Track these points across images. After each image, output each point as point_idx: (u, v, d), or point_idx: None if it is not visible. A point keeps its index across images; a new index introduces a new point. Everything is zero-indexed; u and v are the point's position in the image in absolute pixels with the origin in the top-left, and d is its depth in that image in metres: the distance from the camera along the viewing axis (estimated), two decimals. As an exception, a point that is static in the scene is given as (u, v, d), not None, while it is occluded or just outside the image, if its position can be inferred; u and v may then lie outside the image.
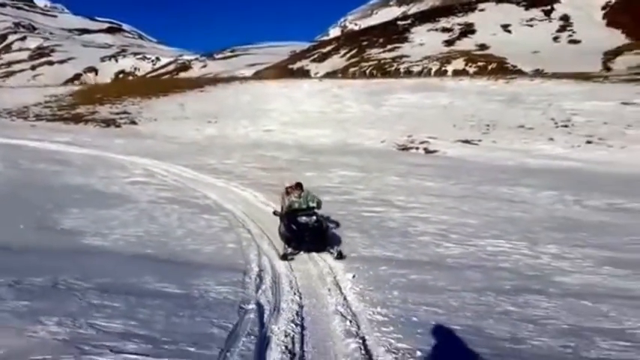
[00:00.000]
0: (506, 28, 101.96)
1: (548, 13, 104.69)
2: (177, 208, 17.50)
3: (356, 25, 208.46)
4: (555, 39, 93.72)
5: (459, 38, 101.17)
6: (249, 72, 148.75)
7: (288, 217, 12.73)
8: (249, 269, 10.88)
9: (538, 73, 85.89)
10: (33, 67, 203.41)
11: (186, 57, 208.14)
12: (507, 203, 19.70)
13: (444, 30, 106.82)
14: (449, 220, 16.81)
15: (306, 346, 6.95)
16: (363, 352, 6.67)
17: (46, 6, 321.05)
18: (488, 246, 13.83)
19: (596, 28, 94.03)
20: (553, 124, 37.92)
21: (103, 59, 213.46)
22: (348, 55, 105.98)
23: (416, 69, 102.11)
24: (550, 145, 34.04)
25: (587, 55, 78.56)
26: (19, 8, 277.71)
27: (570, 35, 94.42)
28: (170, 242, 13.23)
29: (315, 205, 13.18)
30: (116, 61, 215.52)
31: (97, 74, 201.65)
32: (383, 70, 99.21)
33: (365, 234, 14.46)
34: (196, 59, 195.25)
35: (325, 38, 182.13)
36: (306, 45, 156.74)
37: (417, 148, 34.85)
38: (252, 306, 8.27)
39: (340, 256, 11.73)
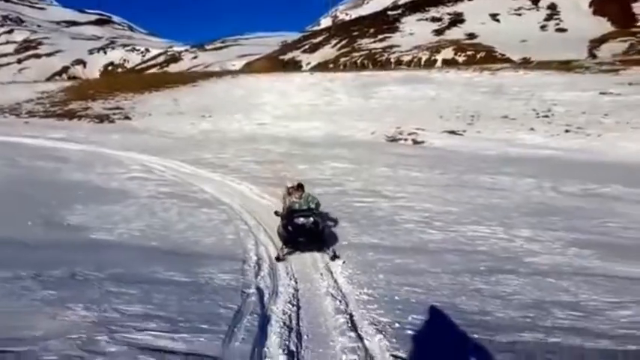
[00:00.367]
0: (494, 17, 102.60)
1: (535, 2, 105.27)
2: (176, 202, 18.15)
3: (347, 15, 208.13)
4: (542, 27, 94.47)
5: (448, 28, 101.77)
6: (240, 63, 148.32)
7: (287, 217, 12.86)
8: (248, 258, 11.80)
9: (525, 62, 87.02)
10: (19, 61, 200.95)
11: (177, 48, 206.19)
12: (488, 191, 20.71)
13: (434, 19, 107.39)
14: (433, 208, 17.81)
15: (301, 322, 7.95)
16: (350, 325, 7.70)
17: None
18: (468, 231, 14.85)
19: (583, 17, 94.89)
20: (534, 114, 38.81)
21: (91, 51, 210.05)
22: (339, 46, 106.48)
23: (406, 58, 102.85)
24: (531, 134, 34.90)
25: (574, 42, 79.59)
26: (7, 1, 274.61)
27: (557, 24, 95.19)
28: (172, 235, 14.01)
29: (314, 206, 13.29)
30: (105, 53, 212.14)
31: (85, 67, 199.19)
32: (374, 60, 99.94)
33: (355, 223, 15.33)
34: (186, 50, 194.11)
35: (316, 28, 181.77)
36: (296, 35, 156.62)
37: (406, 140, 35.57)
38: (252, 290, 9.25)
39: (335, 257, 11.88)
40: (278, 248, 12.52)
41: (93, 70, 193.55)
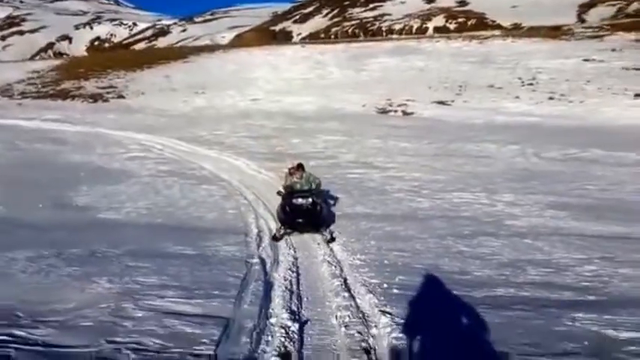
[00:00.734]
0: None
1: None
2: (177, 180, 18.94)
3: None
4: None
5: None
6: (229, 35, 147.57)
7: (286, 198, 12.89)
8: (249, 231, 12.67)
9: (516, 27, 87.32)
10: (3, 38, 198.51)
11: (165, 22, 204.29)
12: (474, 159, 21.71)
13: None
14: (421, 177, 18.81)
15: (301, 286, 8.90)
16: (344, 287, 8.66)
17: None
18: (453, 198, 15.87)
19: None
20: (520, 82, 39.85)
21: (77, 27, 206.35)
22: (330, 15, 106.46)
23: (397, 27, 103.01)
24: (516, 102, 35.89)
25: (563, 7, 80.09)
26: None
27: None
28: (176, 212, 14.85)
29: (315, 186, 13.33)
30: (91, 28, 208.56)
31: (70, 42, 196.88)
32: (365, 30, 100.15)
33: (348, 194, 16.22)
34: (175, 24, 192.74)
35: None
36: (287, 6, 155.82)
37: (396, 111, 36.35)
38: (256, 260, 10.18)
39: (332, 239, 11.86)
40: (276, 228, 12.63)
41: (79, 45, 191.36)
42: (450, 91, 39.66)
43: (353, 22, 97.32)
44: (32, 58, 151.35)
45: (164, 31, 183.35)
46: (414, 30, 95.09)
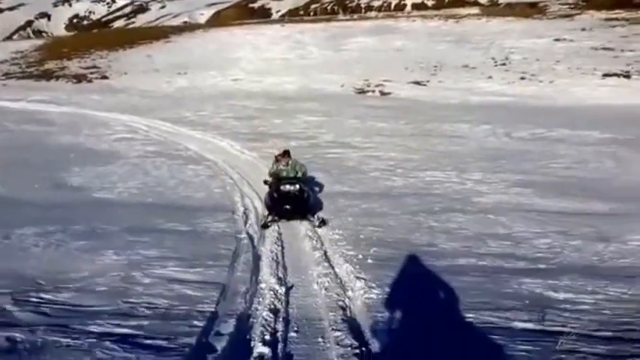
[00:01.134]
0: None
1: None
2: (164, 160, 19.75)
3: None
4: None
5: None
6: (208, 12, 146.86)
7: (273, 185, 13.08)
8: (236, 209, 13.63)
9: (493, 4, 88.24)
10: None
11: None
12: (447, 139, 22.79)
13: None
14: (397, 156, 19.88)
15: (286, 257, 9.94)
16: (324, 258, 9.73)
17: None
18: (426, 177, 16.98)
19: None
20: (493, 62, 40.93)
21: (55, 4, 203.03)
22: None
23: (376, 4, 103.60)
24: (489, 82, 36.96)
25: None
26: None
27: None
28: (166, 191, 15.75)
29: (301, 174, 13.55)
30: (70, 5, 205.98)
31: (49, 20, 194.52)
32: (344, 6, 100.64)
33: (327, 173, 17.17)
34: (154, 0, 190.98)
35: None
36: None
37: (373, 91, 37.19)
38: (244, 235, 11.20)
39: (323, 223, 12.07)
40: (264, 215, 12.78)
41: (58, 23, 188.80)
42: (426, 72, 40.57)
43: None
44: (11, 36, 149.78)
45: (143, 8, 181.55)
46: (392, 6, 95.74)
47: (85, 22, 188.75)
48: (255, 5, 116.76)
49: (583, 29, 44.96)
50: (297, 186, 12.81)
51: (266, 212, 12.77)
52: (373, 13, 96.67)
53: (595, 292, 7.63)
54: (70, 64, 50.61)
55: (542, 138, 22.73)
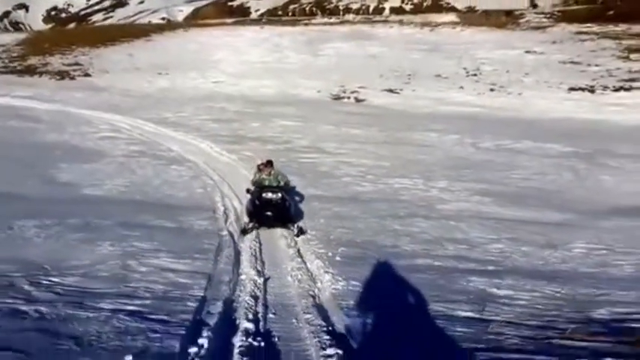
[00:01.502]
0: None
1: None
2: (149, 160, 20.72)
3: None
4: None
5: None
6: (187, 9, 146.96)
7: (255, 192, 13.41)
8: (217, 208, 14.78)
9: (470, 10, 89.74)
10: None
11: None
12: (417, 147, 24.03)
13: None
14: (368, 163, 21.11)
15: (263, 253, 11.09)
16: (297, 254, 10.92)
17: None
18: (394, 183, 18.24)
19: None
20: (465, 73, 42.04)
21: None
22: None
23: (355, 7, 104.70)
24: (460, 93, 38.01)
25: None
26: None
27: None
28: (151, 190, 16.79)
29: (283, 184, 13.97)
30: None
31: (27, 11, 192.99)
32: (322, 8, 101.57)
33: (302, 177, 18.19)
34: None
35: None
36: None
37: (349, 98, 38.12)
38: (225, 233, 12.32)
39: (301, 232, 12.48)
40: (245, 222, 13.24)
41: (36, 15, 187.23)
42: (400, 80, 41.56)
43: (311, 0, 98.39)
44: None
45: (121, 3, 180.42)
46: (370, 10, 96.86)
47: (64, 15, 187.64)
48: (234, 4, 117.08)
49: (554, 42, 46.41)
50: (279, 194, 13.20)
51: (247, 219, 13.21)
52: (351, 16, 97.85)
53: (533, 290, 8.86)
54: (53, 60, 50.67)
55: (506, 149, 24.03)
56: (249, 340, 6.47)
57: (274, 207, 12.87)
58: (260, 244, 11.84)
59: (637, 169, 20.82)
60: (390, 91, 39.00)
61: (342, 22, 67.47)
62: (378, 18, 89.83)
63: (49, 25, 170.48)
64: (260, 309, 7.79)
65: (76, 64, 49.37)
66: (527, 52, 44.37)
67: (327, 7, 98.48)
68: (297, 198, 15.12)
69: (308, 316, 7.59)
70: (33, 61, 50.96)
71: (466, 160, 22.25)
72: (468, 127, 28.34)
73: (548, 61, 42.45)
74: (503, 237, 12.82)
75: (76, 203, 14.74)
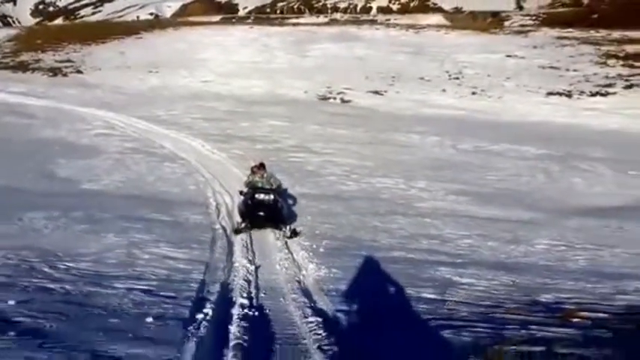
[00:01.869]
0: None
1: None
2: (143, 157, 21.56)
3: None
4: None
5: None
6: (175, 4, 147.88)
7: (248, 193, 13.66)
8: (209, 204, 15.84)
9: (457, 11, 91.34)
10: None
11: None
12: (399, 148, 25.13)
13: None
14: (352, 162, 22.16)
15: (254, 245, 12.12)
16: (285, 246, 12.02)
17: None
18: (376, 183, 19.35)
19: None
20: (447, 76, 43.03)
21: None
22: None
23: (342, 5, 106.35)
24: (442, 95, 39.03)
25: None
26: None
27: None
28: (146, 186, 17.80)
29: (275, 187, 14.09)
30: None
31: (15, 4, 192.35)
32: (310, 6, 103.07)
33: (290, 176, 19.04)
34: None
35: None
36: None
37: (335, 98, 38.96)
38: (218, 226, 13.40)
39: (294, 234, 12.85)
40: (237, 222, 13.67)
41: (24, 8, 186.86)
42: (385, 82, 42.43)
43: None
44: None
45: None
46: (358, 9, 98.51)
47: (51, 9, 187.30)
48: (222, 0, 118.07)
49: (535, 47, 47.62)
50: (272, 196, 13.47)
51: (239, 219, 13.59)
52: (339, 15, 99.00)
53: (492, 279, 9.98)
54: (45, 56, 51.16)
55: (484, 151, 25.16)
56: (245, 311, 7.65)
57: (267, 208, 13.18)
58: (250, 236, 12.84)
59: (607, 172, 22.06)
60: (375, 92, 39.90)
61: (329, 23, 68.42)
62: (365, 17, 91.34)
63: (37, 19, 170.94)
64: (253, 290, 8.90)
65: (68, 60, 49.87)
66: (508, 56, 45.48)
67: (315, 5, 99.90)
68: (290, 201, 15.51)
69: (294, 295, 8.73)
70: (25, 57, 51.42)
71: (445, 161, 23.36)
72: (448, 129, 29.41)
73: (529, 65, 43.64)
74: (474, 233, 13.99)
75: (77, 197, 15.76)
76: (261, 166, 14.60)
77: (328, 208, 15.94)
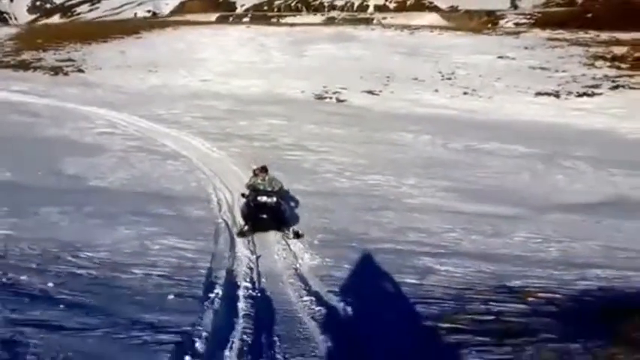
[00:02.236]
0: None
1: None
2: (146, 155, 22.43)
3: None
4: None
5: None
6: (173, 1, 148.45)
7: (250, 196, 13.96)
8: (211, 199, 16.86)
9: (453, 10, 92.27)
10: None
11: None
12: (392, 146, 26.10)
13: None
14: (346, 161, 23.14)
15: (254, 238, 13.17)
16: (283, 239, 13.09)
17: None
18: (369, 180, 20.35)
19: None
20: (440, 76, 43.88)
21: None
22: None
23: (339, 3, 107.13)
24: (435, 95, 39.85)
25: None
26: None
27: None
28: (150, 183, 18.71)
29: (277, 189, 14.31)
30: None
31: (12, 0, 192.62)
32: (307, 4, 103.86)
33: (287, 173, 19.54)
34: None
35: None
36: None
37: (331, 98, 39.71)
38: (220, 220, 14.41)
39: (297, 236, 13.07)
40: (240, 225, 13.90)
41: (21, 4, 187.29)
42: (379, 82, 43.15)
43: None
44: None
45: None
46: (355, 7, 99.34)
47: (48, 6, 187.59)
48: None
49: (526, 48, 48.60)
50: (274, 198, 13.72)
51: (242, 222, 13.84)
52: (336, 13, 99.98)
53: (469, 267, 10.99)
54: (46, 55, 51.83)
55: (474, 149, 26.16)
56: (249, 292, 8.84)
57: (269, 210, 13.44)
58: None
59: (589, 170, 23.12)
60: (370, 92, 40.72)
61: (326, 24, 69.34)
62: (362, 15, 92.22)
63: (34, 15, 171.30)
64: (255, 276, 10.02)
65: (69, 60, 50.48)
66: (500, 57, 46.37)
67: (312, 3, 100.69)
68: (292, 203, 15.91)
69: (291, 280, 9.86)
70: (26, 56, 52.00)
71: (436, 159, 24.37)
72: (440, 128, 30.41)
73: (519, 66, 44.62)
74: (458, 227, 15.00)
75: (86, 193, 16.65)
76: (263, 169, 14.85)
77: (323, 204, 16.88)
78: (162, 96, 38.55)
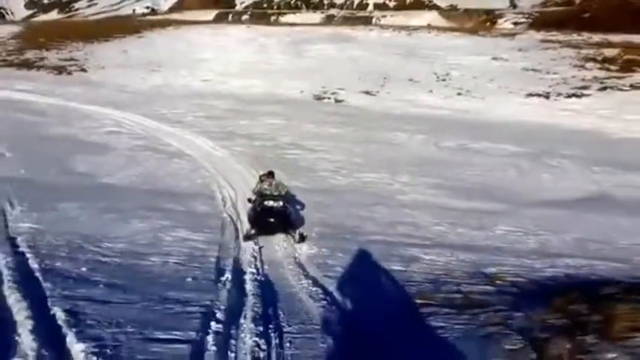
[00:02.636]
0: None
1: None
2: (152, 154, 23.32)
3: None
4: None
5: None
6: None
7: (257, 201, 14.27)
8: (215, 196, 17.86)
9: (452, 9, 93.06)
10: None
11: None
12: (387, 146, 27.03)
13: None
14: (343, 159, 24.06)
15: (257, 231, 14.44)
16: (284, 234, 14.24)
17: None
18: (364, 178, 21.25)
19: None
20: (435, 77, 44.75)
21: None
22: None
23: (339, 1, 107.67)
24: (430, 96, 40.66)
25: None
26: None
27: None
28: (157, 180, 19.69)
29: (284, 193, 14.72)
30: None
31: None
32: (307, 2, 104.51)
33: (286, 171, 20.51)
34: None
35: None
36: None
37: (329, 98, 40.46)
38: (225, 215, 15.53)
39: (302, 239, 13.28)
40: (247, 229, 14.05)
41: (18, 0, 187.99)
42: (376, 82, 43.92)
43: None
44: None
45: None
46: (354, 5, 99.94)
47: (46, 1, 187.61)
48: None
49: (520, 49, 49.50)
50: (281, 202, 14.05)
51: (249, 226, 14.01)
52: (335, 11, 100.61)
53: (450, 256, 12.20)
54: (49, 54, 52.65)
55: (465, 149, 27.11)
56: (255, 276, 10.11)
57: (276, 214, 13.68)
58: (253, 224, 15.03)
59: (573, 168, 24.10)
60: (367, 92, 41.56)
61: (324, 24, 70.17)
62: (361, 13, 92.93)
63: (31, 11, 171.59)
64: (258, 264, 11.25)
65: (72, 59, 51.05)
66: (494, 58, 47.17)
67: (312, 0, 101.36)
68: (297, 207, 16.13)
69: (291, 267, 11.15)
70: (29, 55, 52.57)
71: (429, 158, 25.30)
72: (434, 128, 31.39)
73: (512, 68, 45.43)
74: (445, 221, 16.11)
75: (98, 190, 17.64)
76: (270, 174, 15.44)
77: (320, 200, 17.85)
78: (164, 95, 39.28)
